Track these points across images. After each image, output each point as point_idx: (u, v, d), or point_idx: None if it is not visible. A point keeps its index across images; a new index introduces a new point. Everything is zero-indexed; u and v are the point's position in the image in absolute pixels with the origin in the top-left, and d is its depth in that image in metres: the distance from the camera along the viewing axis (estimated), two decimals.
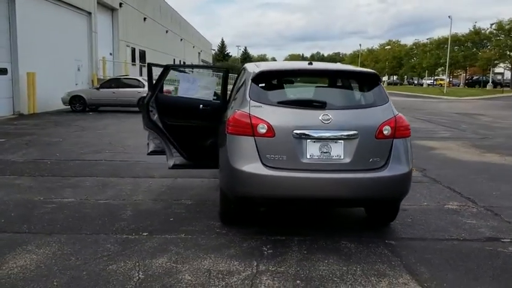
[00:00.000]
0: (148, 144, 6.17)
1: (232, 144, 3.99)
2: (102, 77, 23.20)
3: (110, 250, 3.88)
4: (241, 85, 4.53)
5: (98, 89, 18.66)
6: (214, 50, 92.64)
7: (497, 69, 65.49)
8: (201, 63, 59.42)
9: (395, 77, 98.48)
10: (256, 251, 3.94)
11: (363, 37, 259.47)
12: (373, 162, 3.94)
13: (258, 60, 57.06)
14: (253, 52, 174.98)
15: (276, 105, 4.02)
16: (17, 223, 4.55)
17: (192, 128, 5.51)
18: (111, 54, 27.00)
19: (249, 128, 3.89)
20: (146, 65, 7.16)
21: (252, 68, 4.51)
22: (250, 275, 3.47)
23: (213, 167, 5.06)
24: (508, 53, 52.39)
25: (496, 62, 56.75)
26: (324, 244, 4.12)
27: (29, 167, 7.30)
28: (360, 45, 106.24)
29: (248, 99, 4.06)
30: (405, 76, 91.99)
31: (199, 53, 61.93)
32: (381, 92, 4.25)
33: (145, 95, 6.41)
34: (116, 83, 18.58)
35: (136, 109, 15.82)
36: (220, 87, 5.83)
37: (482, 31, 59.89)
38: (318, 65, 4.67)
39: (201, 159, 5.61)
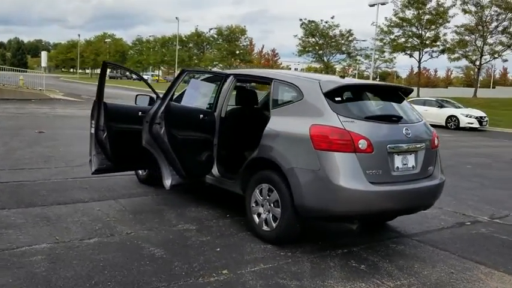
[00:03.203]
0: (90, 161, 5.04)
1: (330, 162, 3.81)
2: None
3: None
4: (294, 100, 4.30)
5: None
6: None
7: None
8: None
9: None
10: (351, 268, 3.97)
11: (64, 26, 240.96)
12: (429, 170, 4.46)
13: None
14: None
15: (365, 120, 4.06)
16: None
17: (198, 142, 4.80)
18: None
19: (350, 144, 3.83)
20: (102, 63, 5.56)
21: (312, 81, 4.33)
22: None
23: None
24: (227, 56, 59.71)
25: (216, 63, 63.76)
26: (391, 251, 4.46)
27: None
28: (79, 35, 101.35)
29: (333, 113, 3.95)
30: None
31: None
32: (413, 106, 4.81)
33: None
34: None
35: None
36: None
37: (204, 34, 66.25)
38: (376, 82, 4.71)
39: (199, 176, 4.97)
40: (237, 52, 59.57)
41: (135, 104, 5.78)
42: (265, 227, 4.34)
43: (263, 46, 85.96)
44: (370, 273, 3.80)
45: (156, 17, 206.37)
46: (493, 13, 34.14)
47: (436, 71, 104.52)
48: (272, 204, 4.26)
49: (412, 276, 3.79)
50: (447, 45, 37.11)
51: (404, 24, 37.69)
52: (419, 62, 38.89)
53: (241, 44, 60.75)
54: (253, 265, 3.79)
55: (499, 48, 34.89)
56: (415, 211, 4.51)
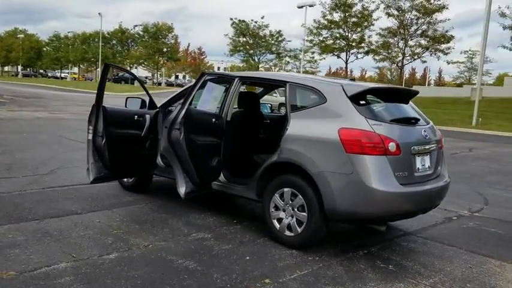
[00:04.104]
0: (88, 169, 4.76)
1: (363, 165, 3.85)
2: None
3: None
4: (316, 104, 4.30)
5: None
6: None
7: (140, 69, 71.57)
8: None
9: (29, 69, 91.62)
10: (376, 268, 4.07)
11: None
12: (439, 170, 4.66)
13: None
14: None
15: (390, 123, 4.15)
16: None
17: (211, 147, 4.65)
18: None
19: (381, 147, 3.91)
20: (103, 65, 5.11)
21: (334, 84, 4.35)
22: None
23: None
24: (154, 54, 58.13)
25: (142, 61, 61.88)
26: (402, 249, 4.62)
27: None
28: None
29: (361, 116, 4.02)
30: (47, 68, 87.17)
31: None
32: None
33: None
34: None
35: None
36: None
37: (129, 31, 64.04)
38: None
39: (209, 182, 4.82)
40: (165, 50, 58.21)
41: (125, 107, 5.46)
42: (287, 232, 4.29)
43: (189, 44, 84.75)
44: (401, 273, 3.90)
45: (67, 12, 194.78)
46: (413, 17, 36.51)
47: (352, 71, 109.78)
48: (296, 209, 4.22)
49: (439, 273, 3.95)
50: (372, 47, 39.06)
51: (332, 26, 39.07)
52: (346, 62, 40.55)
53: (168, 42, 59.41)
54: (290, 272, 3.74)
55: (419, 50, 37.43)
56: (428, 211, 4.71)
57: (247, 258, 3.97)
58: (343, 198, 3.93)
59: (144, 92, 5.45)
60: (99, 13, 53.72)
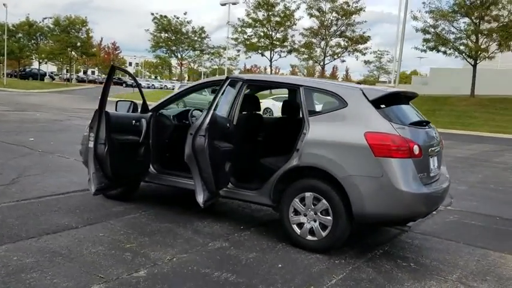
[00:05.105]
0: (89, 180, 4.47)
1: (393, 168, 3.94)
2: None
3: None
4: (336, 108, 4.32)
5: None
6: None
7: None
8: None
9: None
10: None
11: None
12: (441, 170, 4.88)
13: None
14: None
15: (410, 126, 4.28)
16: None
17: (227, 152, 4.49)
18: None
19: (408, 150, 4.01)
20: (110, 67, 4.58)
21: (353, 88, 4.39)
22: None
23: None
24: (66, 48, 54.71)
25: (53, 56, 57.96)
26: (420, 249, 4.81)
27: None
28: None
29: (385, 120, 4.11)
30: None
31: None
32: None
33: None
34: None
35: None
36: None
37: (37, 24, 59.47)
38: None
39: (221, 189, 4.66)
40: (78, 44, 54.96)
41: (116, 110, 5.09)
42: (309, 237, 4.27)
43: (102, 39, 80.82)
44: (426, 271, 4.05)
45: None
46: (332, 18, 38.00)
47: (265, 68, 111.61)
48: (319, 213, 4.22)
49: (457, 268, 4.16)
50: (294, 46, 40.10)
51: (257, 24, 39.51)
52: (270, 60, 41.24)
53: (82, 36, 56.14)
54: (328, 278, 3.72)
55: (339, 50, 39.07)
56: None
57: (280, 266, 3.89)
58: (373, 201, 3.99)
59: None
60: (4, 4, 49.19)
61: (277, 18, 39.22)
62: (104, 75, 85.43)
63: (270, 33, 39.92)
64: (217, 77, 5.45)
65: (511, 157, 13.54)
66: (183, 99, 5.48)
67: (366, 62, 51.74)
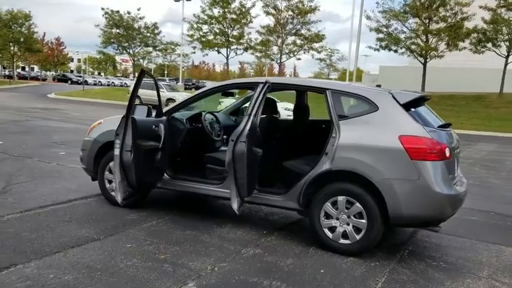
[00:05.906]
0: (116, 189, 4.32)
1: (429, 170, 4.00)
2: None
3: None
4: (366, 112, 4.34)
5: None
6: None
7: None
8: None
9: None
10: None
11: None
12: (459, 172, 5.00)
13: None
14: None
15: (438, 129, 4.36)
16: None
17: (258, 158, 4.41)
18: None
19: (441, 153, 4.09)
20: (139, 71, 4.27)
21: (383, 92, 4.42)
22: None
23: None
24: (8, 44, 51.88)
25: None
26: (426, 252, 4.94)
27: None
28: None
29: (418, 124, 4.16)
30: None
31: None
32: None
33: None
34: None
35: None
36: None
37: None
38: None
39: (250, 194, 4.57)
40: (22, 40, 52.18)
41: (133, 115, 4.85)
42: (342, 240, 4.28)
43: (44, 34, 76.91)
44: (455, 269, 4.17)
45: None
46: (288, 17, 38.41)
47: (214, 65, 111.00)
48: (353, 217, 4.23)
49: (483, 265, 4.32)
50: (251, 44, 40.17)
51: (213, 21, 39.21)
52: (227, 58, 41.08)
53: (25, 31, 53.32)
54: (372, 281, 3.75)
55: (295, 48, 39.54)
56: None
57: (322, 271, 3.87)
58: (409, 203, 4.05)
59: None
60: None
61: (233, 16, 39.10)
62: (45, 72, 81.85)
63: (226, 30, 39.74)
64: (241, 80, 5.33)
65: (473, 151, 14.22)
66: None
67: (321, 60, 52.63)
